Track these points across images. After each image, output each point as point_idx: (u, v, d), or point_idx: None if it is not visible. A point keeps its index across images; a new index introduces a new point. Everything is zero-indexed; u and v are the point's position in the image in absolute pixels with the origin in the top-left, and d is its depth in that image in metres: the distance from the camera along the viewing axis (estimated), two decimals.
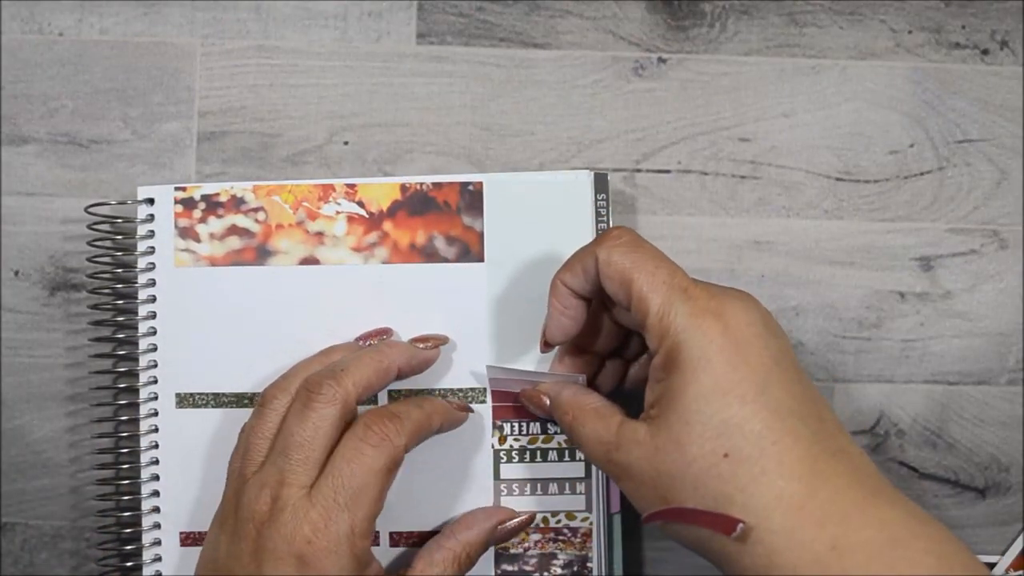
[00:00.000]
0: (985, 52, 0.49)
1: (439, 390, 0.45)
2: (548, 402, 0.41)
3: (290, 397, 0.41)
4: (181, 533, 0.45)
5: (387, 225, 0.45)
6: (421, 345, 0.44)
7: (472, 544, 0.42)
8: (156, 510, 0.45)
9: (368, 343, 0.44)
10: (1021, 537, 0.48)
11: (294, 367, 0.43)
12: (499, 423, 0.45)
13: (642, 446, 0.35)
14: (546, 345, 0.42)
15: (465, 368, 0.45)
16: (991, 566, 0.48)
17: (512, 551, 0.45)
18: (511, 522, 0.44)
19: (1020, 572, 0.48)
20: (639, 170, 0.48)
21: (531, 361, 0.45)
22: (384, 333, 0.45)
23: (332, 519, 0.37)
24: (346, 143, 0.48)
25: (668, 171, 0.48)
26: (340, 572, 0.37)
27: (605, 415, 0.38)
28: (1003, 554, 0.48)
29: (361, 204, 0.45)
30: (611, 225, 0.45)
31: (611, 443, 0.37)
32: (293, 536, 0.37)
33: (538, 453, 0.45)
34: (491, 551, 0.44)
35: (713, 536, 0.34)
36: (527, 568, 0.45)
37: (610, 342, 0.42)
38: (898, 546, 0.32)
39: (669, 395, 0.35)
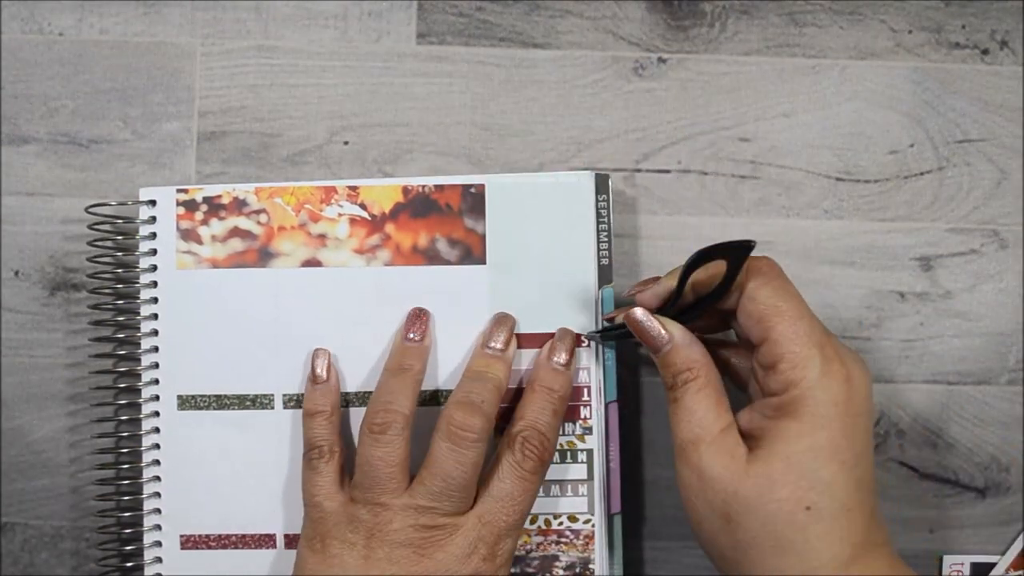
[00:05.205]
0: (985, 52, 0.49)
1: (442, 391, 0.45)
2: (667, 339, 0.39)
3: (404, 420, 0.41)
4: (181, 536, 0.45)
5: (389, 227, 0.45)
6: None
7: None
8: (157, 511, 0.45)
9: (413, 334, 0.44)
10: (1021, 537, 0.48)
11: (386, 384, 0.43)
12: (502, 425, 0.45)
13: (735, 462, 0.37)
14: (634, 301, 0.41)
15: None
16: (991, 566, 0.48)
17: (515, 553, 0.45)
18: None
19: (1020, 572, 0.48)
20: (639, 170, 0.48)
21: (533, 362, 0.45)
22: (420, 320, 0.44)
23: (502, 538, 0.41)
24: (346, 143, 0.48)
25: (668, 171, 0.48)
26: None
27: (721, 404, 0.39)
28: (1003, 554, 0.48)
29: (363, 206, 0.45)
30: (611, 226, 0.45)
31: (707, 436, 0.38)
32: (467, 555, 0.40)
33: None
34: None
35: None
36: (529, 570, 0.45)
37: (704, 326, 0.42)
38: None
39: (780, 436, 0.37)
